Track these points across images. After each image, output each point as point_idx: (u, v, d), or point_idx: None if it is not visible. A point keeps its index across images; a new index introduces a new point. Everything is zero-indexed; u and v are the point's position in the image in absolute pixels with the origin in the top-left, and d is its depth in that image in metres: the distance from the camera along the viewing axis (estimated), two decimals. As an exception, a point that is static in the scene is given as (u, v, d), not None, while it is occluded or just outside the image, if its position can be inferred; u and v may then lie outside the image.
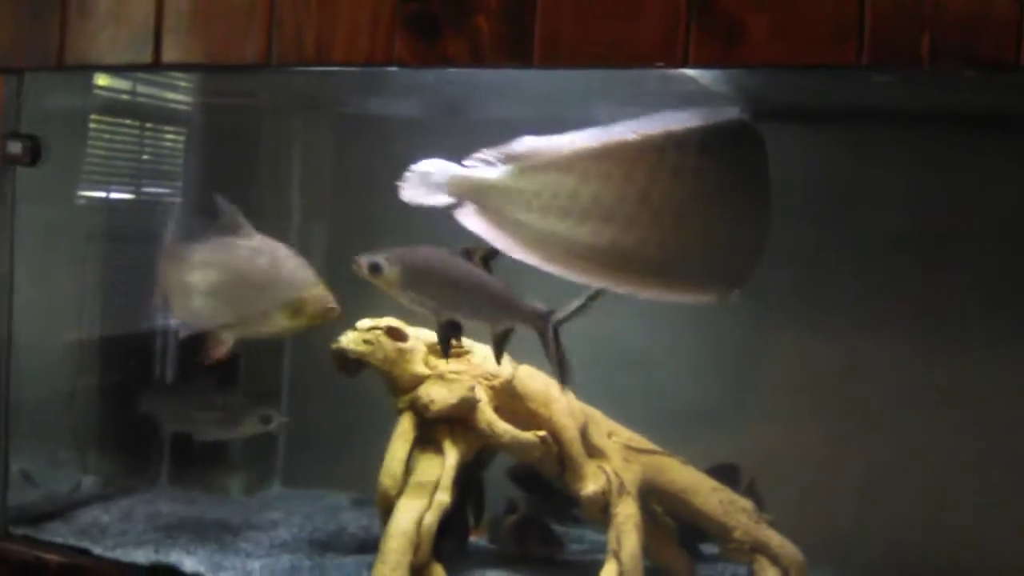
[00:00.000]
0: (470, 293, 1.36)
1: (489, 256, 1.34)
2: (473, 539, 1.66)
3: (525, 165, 1.31)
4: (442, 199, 1.30)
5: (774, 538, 1.51)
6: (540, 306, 1.33)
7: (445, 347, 1.43)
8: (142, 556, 1.54)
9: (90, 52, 1.47)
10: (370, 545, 1.51)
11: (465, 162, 1.32)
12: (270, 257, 1.49)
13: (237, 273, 1.51)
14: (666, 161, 1.30)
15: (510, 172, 1.31)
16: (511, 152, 1.31)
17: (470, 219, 1.31)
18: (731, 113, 1.32)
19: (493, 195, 1.31)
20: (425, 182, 1.30)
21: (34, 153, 1.56)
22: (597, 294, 1.32)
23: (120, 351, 1.86)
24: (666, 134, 1.29)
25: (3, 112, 1.57)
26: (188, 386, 1.75)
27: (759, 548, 1.50)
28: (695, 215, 1.30)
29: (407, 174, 1.31)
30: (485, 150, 1.31)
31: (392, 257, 1.36)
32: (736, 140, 1.32)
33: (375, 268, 1.35)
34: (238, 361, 1.68)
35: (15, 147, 1.55)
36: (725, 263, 1.33)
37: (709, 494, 1.54)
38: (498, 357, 1.39)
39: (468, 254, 1.35)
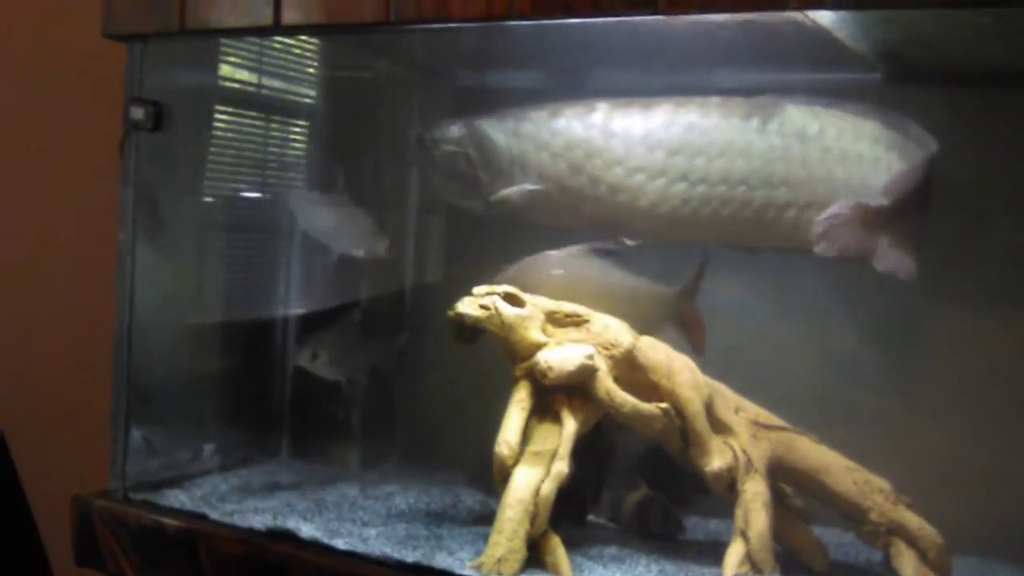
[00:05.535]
0: None
1: None
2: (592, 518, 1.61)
3: None
4: None
5: (912, 520, 1.42)
6: None
7: None
8: (259, 522, 1.53)
9: (211, 15, 1.47)
10: (486, 518, 1.47)
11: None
12: None
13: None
14: None
15: None
16: None
17: None
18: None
19: None
20: None
21: (156, 119, 1.57)
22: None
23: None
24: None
25: (126, 78, 1.58)
26: None
27: (896, 530, 1.42)
28: None
29: None
30: None
31: None
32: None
33: None
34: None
35: (138, 112, 1.56)
36: None
37: (843, 474, 1.46)
38: None
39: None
